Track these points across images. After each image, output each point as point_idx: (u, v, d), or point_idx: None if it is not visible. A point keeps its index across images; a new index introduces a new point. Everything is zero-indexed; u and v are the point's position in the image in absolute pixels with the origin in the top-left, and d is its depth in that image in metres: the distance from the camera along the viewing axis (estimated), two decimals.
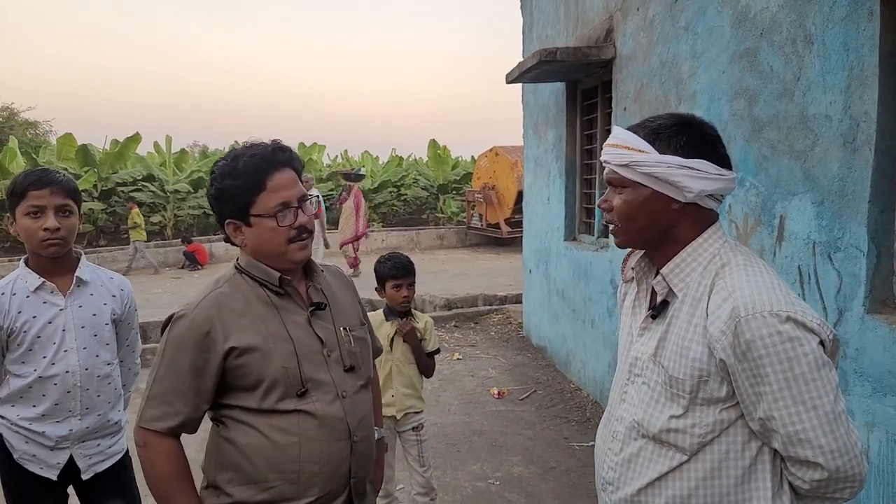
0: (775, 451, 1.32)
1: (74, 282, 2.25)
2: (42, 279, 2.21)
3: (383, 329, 3.16)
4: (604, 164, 1.45)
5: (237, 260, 1.70)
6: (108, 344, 2.34)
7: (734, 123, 3.26)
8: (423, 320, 3.22)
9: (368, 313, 3.21)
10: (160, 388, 1.57)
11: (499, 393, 5.63)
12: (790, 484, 1.34)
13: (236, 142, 22.36)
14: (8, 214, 2.24)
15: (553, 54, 5.04)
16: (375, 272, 3.16)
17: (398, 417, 3.14)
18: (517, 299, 8.95)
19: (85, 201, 15.51)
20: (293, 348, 1.60)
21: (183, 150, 20.95)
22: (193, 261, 14.41)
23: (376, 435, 1.98)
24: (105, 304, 2.34)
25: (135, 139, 17.16)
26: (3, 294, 2.19)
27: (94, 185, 16.59)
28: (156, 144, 20.39)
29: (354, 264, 12.02)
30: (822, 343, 1.26)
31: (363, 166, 18.93)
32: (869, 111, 2.41)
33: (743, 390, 1.28)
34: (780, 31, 2.90)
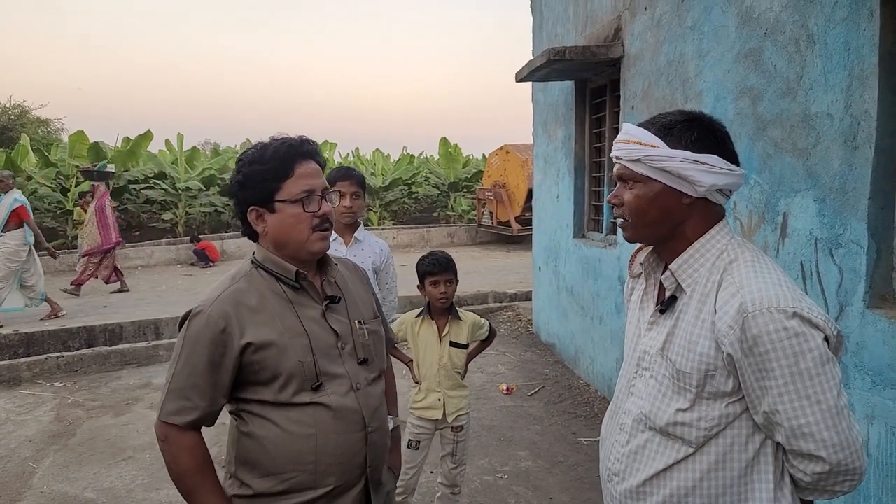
0: (777, 444, 1.35)
1: (353, 240, 3.38)
2: (336, 235, 3.28)
3: (423, 332, 3.15)
4: (614, 160, 1.47)
5: (253, 254, 1.73)
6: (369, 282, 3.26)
7: (739, 122, 3.30)
8: (467, 322, 3.20)
9: (403, 314, 3.29)
10: (178, 384, 1.58)
11: (508, 389, 5.69)
12: (791, 476, 1.37)
13: (248, 139, 22.52)
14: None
15: (562, 53, 5.08)
16: (416, 270, 3.19)
17: (450, 420, 3.13)
18: (527, 296, 9.00)
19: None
20: (308, 343, 1.62)
21: (194, 148, 21.12)
22: (205, 258, 14.54)
23: (391, 424, 2.03)
24: (370, 256, 3.40)
25: (146, 136, 17.31)
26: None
27: (106, 183, 16.75)
28: (167, 142, 20.58)
29: (80, 282, 10.29)
30: (826, 339, 1.28)
31: (110, 162, 14.86)
32: (869, 110, 2.45)
33: (749, 384, 1.31)
34: (783, 31, 2.95)
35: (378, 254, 3.48)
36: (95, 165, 11.77)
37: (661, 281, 1.50)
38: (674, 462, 1.39)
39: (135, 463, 4.35)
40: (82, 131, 17.15)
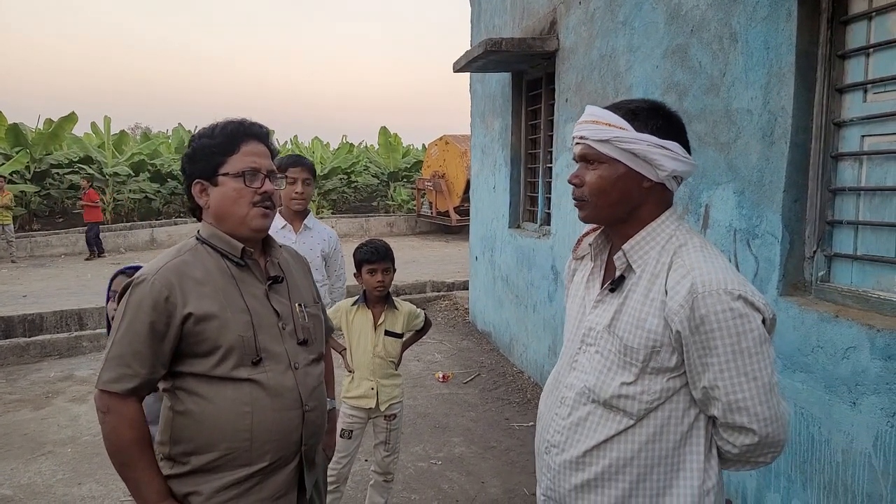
0: (708, 419, 1.44)
1: (303, 227, 3.51)
2: (286, 222, 3.48)
3: (357, 320, 3.11)
4: (577, 141, 1.50)
5: (199, 232, 1.74)
6: (317, 269, 3.45)
7: None
8: (403, 311, 3.18)
9: (339, 302, 3.26)
10: (119, 350, 1.57)
11: (443, 377, 5.73)
12: (718, 449, 1.46)
13: (181, 124, 21.78)
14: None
15: (498, 44, 5.12)
16: (353, 258, 3.14)
17: (383, 409, 3.11)
18: (464, 286, 9.08)
19: (16, 183, 14.92)
20: (250, 319, 1.64)
21: (123, 132, 20.24)
22: (98, 243, 13.44)
23: (328, 405, 2.05)
24: (318, 243, 3.55)
25: (70, 119, 16.45)
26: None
27: (27, 167, 15.92)
28: (93, 125, 19.68)
29: None
30: (764, 321, 1.37)
31: None
32: (785, 106, 2.57)
33: (692, 360, 1.38)
34: (708, 29, 3.05)
35: (327, 241, 3.60)
36: None
37: (608, 262, 1.57)
38: (614, 433, 1.45)
39: (55, 458, 4.17)
40: (0, 112, 16.20)
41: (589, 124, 1.47)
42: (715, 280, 1.35)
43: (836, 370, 2.35)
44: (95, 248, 13.68)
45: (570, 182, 1.54)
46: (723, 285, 1.34)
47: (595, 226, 1.62)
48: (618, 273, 1.50)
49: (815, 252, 2.60)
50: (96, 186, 16.19)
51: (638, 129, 1.42)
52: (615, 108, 1.48)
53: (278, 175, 1.76)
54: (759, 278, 2.73)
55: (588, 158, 1.48)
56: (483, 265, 7.26)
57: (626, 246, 1.48)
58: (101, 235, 14.45)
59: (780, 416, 1.38)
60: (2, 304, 8.32)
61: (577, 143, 1.50)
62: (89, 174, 15.48)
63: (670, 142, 1.43)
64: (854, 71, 2.48)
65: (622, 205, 1.47)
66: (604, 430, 1.46)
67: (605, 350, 1.48)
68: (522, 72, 6.02)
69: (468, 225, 8.39)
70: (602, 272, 1.58)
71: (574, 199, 1.54)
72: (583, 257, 1.67)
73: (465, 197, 14.82)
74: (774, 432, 1.37)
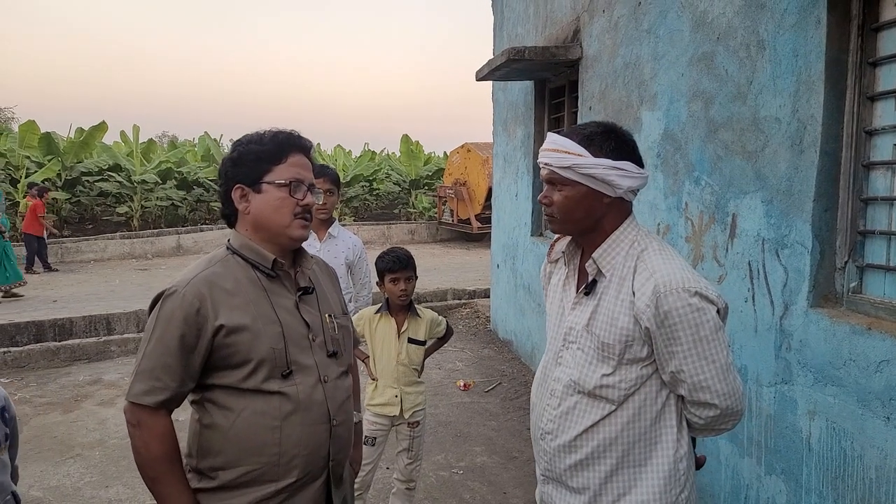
0: (677, 396, 1.65)
1: (327, 235, 3.52)
2: (310, 231, 3.42)
3: (380, 328, 3.14)
4: (543, 166, 1.66)
5: (229, 241, 1.74)
6: (341, 277, 3.44)
7: (691, 124, 3.37)
8: (426, 319, 3.21)
9: (362, 310, 3.30)
10: (149, 364, 1.57)
11: (465, 385, 5.71)
12: (686, 420, 1.68)
13: (207, 133, 22.09)
14: None
15: (521, 53, 5.12)
16: (375, 267, 3.18)
17: (406, 416, 3.13)
18: (486, 294, 9.06)
19: (48, 190, 15.23)
20: (281, 330, 1.64)
21: (151, 141, 20.59)
22: (32, 262, 12.25)
23: (355, 418, 2.06)
24: (343, 252, 3.54)
25: (101, 128, 16.80)
26: None
27: (58, 175, 16.26)
28: (122, 134, 20.03)
29: None
30: (718, 311, 1.56)
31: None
32: (815, 114, 2.53)
33: (660, 350, 1.58)
34: (735, 36, 3.02)
35: (351, 249, 3.63)
36: None
37: (580, 266, 1.75)
38: (600, 419, 1.64)
39: (83, 461, 4.24)
40: (33, 121, 16.57)
41: (551, 152, 1.64)
42: (674, 280, 1.54)
43: (869, 384, 2.30)
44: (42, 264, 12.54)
45: (540, 202, 1.71)
46: (681, 284, 1.53)
47: None
48: (590, 278, 1.68)
49: (846, 262, 2.55)
50: (125, 194, 16.42)
51: (594, 154, 1.59)
52: (572, 133, 1.65)
53: (317, 188, 1.78)
54: (789, 289, 2.68)
55: (554, 182, 1.66)
56: (505, 273, 7.24)
57: (595, 254, 1.66)
58: (129, 241, 14.65)
59: (736, 390, 1.59)
60: (33, 309, 8.49)
61: (543, 168, 1.67)
62: (46, 180, 14.86)
63: (624, 162, 1.60)
64: (885, 78, 2.44)
65: (587, 219, 1.65)
66: (590, 416, 1.65)
67: (586, 347, 1.66)
68: (545, 80, 6.01)
69: (489, 232, 8.38)
70: (576, 275, 1.76)
71: (545, 215, 1.72)
72: (557, 261, 1.84)
73: (487, 205, 14.82)
74: (733, 405, 1.59)
